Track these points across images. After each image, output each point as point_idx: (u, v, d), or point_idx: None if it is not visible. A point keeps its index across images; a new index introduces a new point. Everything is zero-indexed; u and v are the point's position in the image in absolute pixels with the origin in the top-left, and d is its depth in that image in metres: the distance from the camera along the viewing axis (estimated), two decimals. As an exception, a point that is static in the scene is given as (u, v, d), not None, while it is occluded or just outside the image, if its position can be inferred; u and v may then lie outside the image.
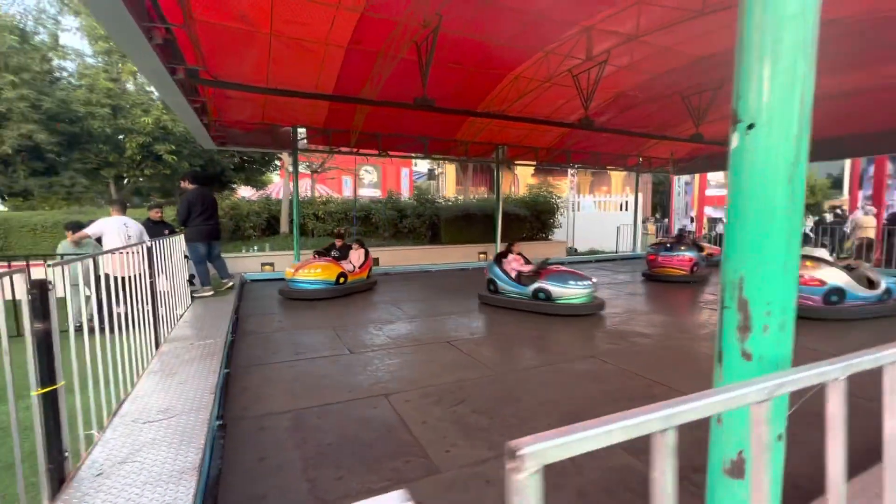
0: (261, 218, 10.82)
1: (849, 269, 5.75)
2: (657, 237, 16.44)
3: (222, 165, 11.98)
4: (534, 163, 11.80)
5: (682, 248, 8.34)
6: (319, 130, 8.95)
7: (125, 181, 11.03)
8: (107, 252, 2.89)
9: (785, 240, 0.74)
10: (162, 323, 4.07)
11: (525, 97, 8.29)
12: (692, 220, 16.53)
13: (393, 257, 10.53)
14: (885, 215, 10.31)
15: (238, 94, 7.01)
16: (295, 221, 8.76)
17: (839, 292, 5.38)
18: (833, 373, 0.65)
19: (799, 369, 0.61)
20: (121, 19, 2.75)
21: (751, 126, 0.76)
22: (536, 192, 13.97)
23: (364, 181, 28.88)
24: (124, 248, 3.51)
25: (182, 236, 5.52)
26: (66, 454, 1.92)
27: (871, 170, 12.41)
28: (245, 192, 16.84)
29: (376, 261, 10.31)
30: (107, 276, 2.69)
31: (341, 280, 6.72)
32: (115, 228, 4.96)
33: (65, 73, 10.38)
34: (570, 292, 5.61)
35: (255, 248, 9.36)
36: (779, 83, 0.73)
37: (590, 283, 5.70)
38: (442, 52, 6.61)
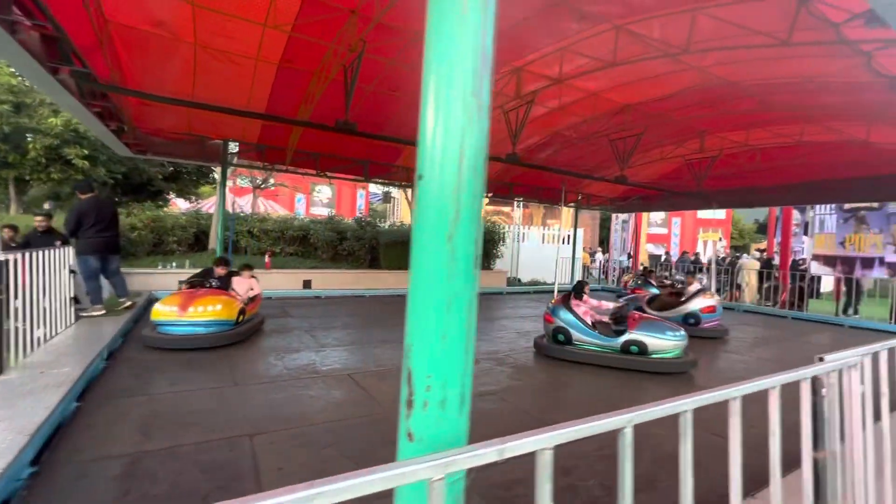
0: (187, 232, 10.19)
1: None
2: (590, 268, 17.14)
3: (149, 174, 11.27)
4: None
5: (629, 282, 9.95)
6: (253, 146, 8.64)
7: (30, 184, 10.10)
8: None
9: (444, 305, 0.66)
10: (17, 346, 3.61)
11: (463, 129, 8.45)
12: (629, 257, 17.32)
13: (328, 280, 10.18)
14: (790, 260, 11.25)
15: (158, 102, 6.66)
16: (219, 238, 8.29)
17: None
18: (428, 471, 0.56)
19: (367, 472, 0.51)
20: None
21: (420, 177, 0.69)
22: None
23: (316, 200, 28.35)
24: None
25: (69, 249, 5.02)
26: None
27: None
28: (184, 204, 15.96)
29: (308, 283, 9.93)
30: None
31: (240, 318, 5.30)
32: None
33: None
34: (668, 345, 4.79)
35: (174, 263, 8.74)
36: (440, 134, 0.67)
37: (683, 333, 4.94)
38: (379, 78, 6.64)
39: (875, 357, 1.53)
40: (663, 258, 19.54)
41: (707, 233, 31.07)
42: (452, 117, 0.67)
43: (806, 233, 14.21)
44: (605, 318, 5.32)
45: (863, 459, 1.36)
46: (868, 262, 10.65)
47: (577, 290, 5.54)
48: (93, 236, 5.29)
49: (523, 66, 6.34)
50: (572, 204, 13.95)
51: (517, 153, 8.13)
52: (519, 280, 15.09)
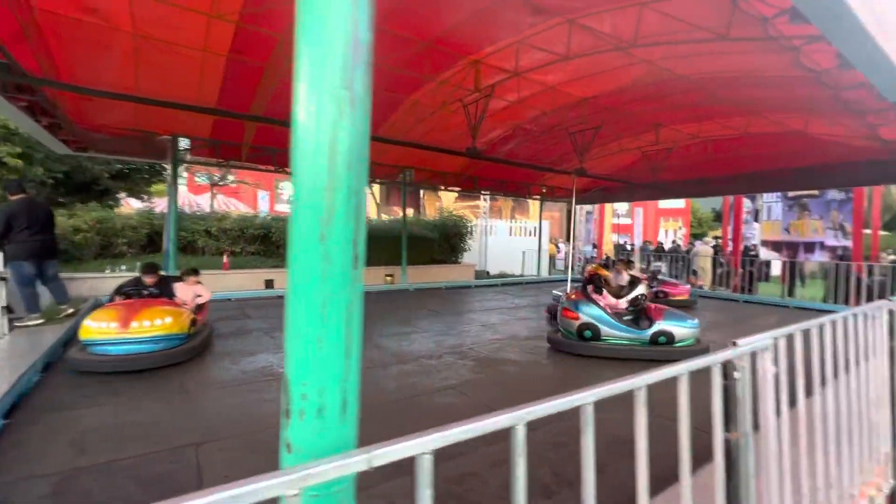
0: (139, 233, 9.69)
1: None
2: (559, 258, 17.51)
3: (94, 173, 10.62)
4: (442, 187, 11.97)
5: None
6: (206, 141, 8.29)
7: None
8: None
9: (319, 308, 0.64)
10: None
11: (425, 122, 8.39)
12: (594, 247, 17.78)
13: (291, 279, 9.92)
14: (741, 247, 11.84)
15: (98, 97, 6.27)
16: (172, 239, 7.94)
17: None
18: (278, 488, 0.53)
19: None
20: None
21: (293, 175, 0.66)
22: (447, 215, 14.16)
23: (281, 197, 27.63)
24: None
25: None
26: None
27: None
28: (139, 204, 15.17)
29: (270, 283, 9.66)
30: None
31: (191, 329, 4.69)
32: None
33: None
34: (689, 333, 4.93)
35: (124, 266, 8.30)
36: (311, 129, 0.64)
37: (697, 321, 5.10)
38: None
39: (789, 339, 1.60)
40: (629, 247, 20.17)
41: (668, 222, 32.30)
42: (323, 112, 0.64)
43: (756, 220, 14.94)
44: (621, 312, 5.31)
45: (776, 439, 1.42)
46: (810, 247, 11.37)
47: (597, 284, 5.45)
48: (25, 240, 4.94)
49: (481, 59, 6.33)
50: (537, 196, 14.15)
51: (480, 147, 8.15)
52: (488, 273, 15.22)
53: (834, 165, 8.69)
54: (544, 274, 14.79)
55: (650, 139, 9.41)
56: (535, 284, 12.86)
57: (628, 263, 7.59)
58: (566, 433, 2.96)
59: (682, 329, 4.93)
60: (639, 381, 0.93)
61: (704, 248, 11.86)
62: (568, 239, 24.41)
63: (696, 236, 31.50)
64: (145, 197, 13.51)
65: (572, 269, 17.41)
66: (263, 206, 25.70)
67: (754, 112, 7.10)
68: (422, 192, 21.68)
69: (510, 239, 17.56)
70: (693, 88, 6.37)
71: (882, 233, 13.18)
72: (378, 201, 18.40)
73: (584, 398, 0.83)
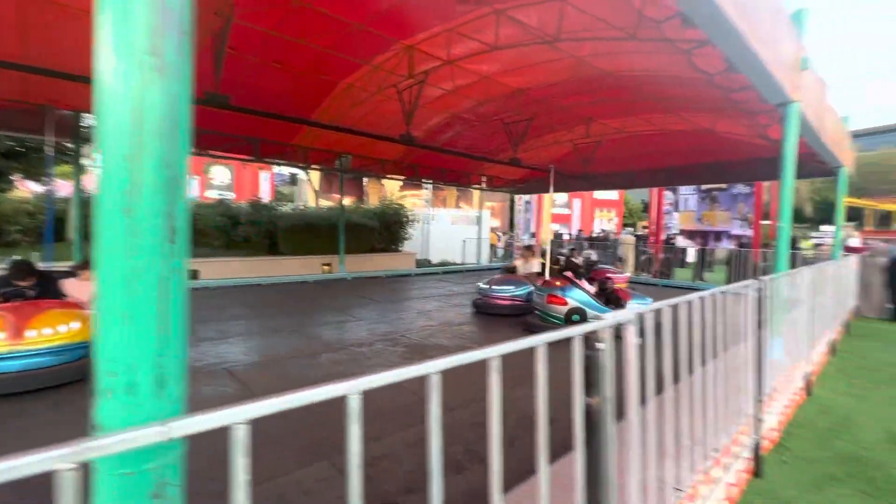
0: (36, 220, 8.67)
1: None
2: (499, 247, 17.99)
3: (-22, 151, 9.33)
4: (382, 174, 11.81)
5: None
6: (115, 119, 7.52)
7: None
8: None
9: (124, 283, 0.62)
10: None
11: (360, 107, 8.19)
12: (532, 236, 18.44)
13: (219, 269, 9.39)
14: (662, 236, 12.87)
15: (-25, 61, 5.47)
16: (76, 227, 7.20)
17: None
18: (45, 463, 0.52)
19: None
20: None
21: (99, 146, 0.63)
22: (387, 203, 14.03)
23: (213, 182, 25.85)
24: None
25: None
26: None
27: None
28: (40, 187, 13.49)
29: (195, 274, 9.07)
30: None
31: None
32: None
33: None
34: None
35: (16, 257, 7.39)
36: (117, 96, 0.61)
37: (651, 299, 5.47)
38: (262, 49, 6.13)
39: (657, 313, 1.77)
40: (565, 237, 21.15)
41: (603, 212, 34.20)
42: (128, 78, 0.61)
43: (677, 210, 16.21)
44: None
45: (639, 404, 1.58)
46: (719, 236, 12.60)
47: (577, 271, 5.71)
48: None
49: (414, 45, 6.27)
50: (477, 186, 14.38)
51: (418, 135, 8.10)
52: (429, 262, 15.30)
53: (736, 162, 9.63)
54: (484, 262, 15.13)
55: (581, 132, 9.86)
56: (475, 272, 13.13)
57: (530, 249, 8.21)
58: (484, 413, 3.09)
59: (646, 308, 5.43)
60: (492, 352, 0.99)
61: (627, 238, 12.77)
62: (510, 227, 25.06)
63: (626, 226, 33.71)
64: (45, 179, 12.06)
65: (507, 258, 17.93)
66: (192, 192, 23.92)
67: (670, 110, 7.67)
68: (364, 179, 21.25)
69: (452, 228, 17.73)
70: (616, 85, 6.75)
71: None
72: (316, 188, 17.77)
73: (429, 368, 0.88)
